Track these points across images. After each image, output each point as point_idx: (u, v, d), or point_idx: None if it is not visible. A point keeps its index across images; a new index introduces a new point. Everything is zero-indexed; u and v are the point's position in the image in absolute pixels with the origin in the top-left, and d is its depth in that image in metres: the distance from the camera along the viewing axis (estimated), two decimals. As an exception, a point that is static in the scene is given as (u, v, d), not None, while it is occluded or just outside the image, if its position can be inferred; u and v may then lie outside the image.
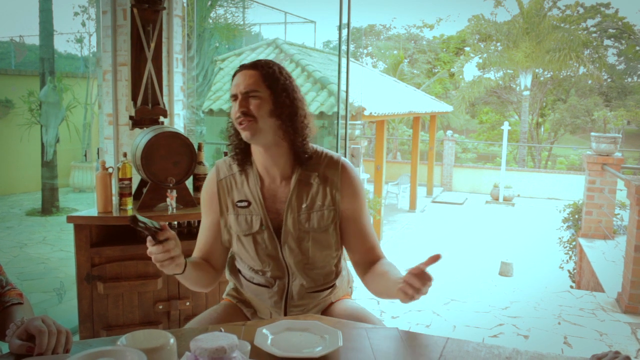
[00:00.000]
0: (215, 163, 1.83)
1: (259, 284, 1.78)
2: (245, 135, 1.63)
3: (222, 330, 1.38)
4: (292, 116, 1.66)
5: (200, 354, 0.96)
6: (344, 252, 1.85)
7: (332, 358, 1.32)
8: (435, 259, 1.40)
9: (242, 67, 1.68)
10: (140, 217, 1.37)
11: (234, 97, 1.66)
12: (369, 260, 1.74)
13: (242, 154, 1.74)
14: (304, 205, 1.70)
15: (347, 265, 2.00)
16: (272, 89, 1.64)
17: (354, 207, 1.74)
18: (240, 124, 1.63)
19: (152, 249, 1.45)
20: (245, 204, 1.72)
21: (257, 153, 1.71)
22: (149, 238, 1.45)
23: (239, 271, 1.85)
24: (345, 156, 4.23)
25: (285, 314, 1.77)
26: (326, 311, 1.84)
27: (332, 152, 1.78)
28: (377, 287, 1.69)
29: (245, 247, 1.74)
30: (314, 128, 1.72)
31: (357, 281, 2.07)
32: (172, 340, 1.14)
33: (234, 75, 1.69)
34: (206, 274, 1.74)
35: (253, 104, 1.62)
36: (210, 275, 1.76)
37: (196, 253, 1.79)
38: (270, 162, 1.70)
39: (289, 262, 1.73)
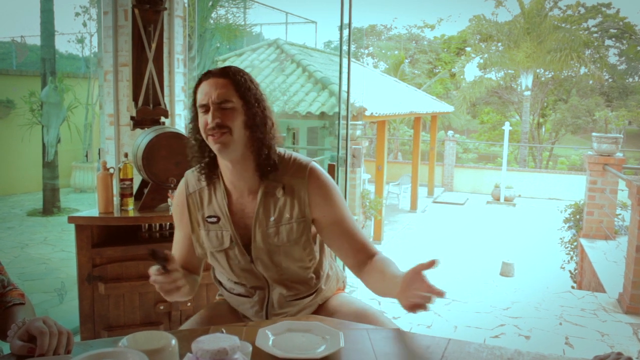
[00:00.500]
0: (185, 174, 1.76)
1: (239, 294, 1.75)
2: (216, 147, 1.55)
3: (224, 331, 1.38)
4: (262, 127, 1.59)
5: (202, 355, 0.96)
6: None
7: (333, 359, 1.32)
8: (431, 264, 1.38)
9: (210, 75, 1.58)
10: (157, 251, 1.42)
11: (204, 107, 1.56)
12: (361, 261, 1.67)
13: (208, 168, 1.65)
14: (271, 219, 1.64)
15: (337, 264, 1.98)
16: (244, 98, 1.56)
17: (330, 213, 1.66)
18: (212, 135, 1.54)
19: (157, 278, 1.45)
20: (214, 219, 1.66)
21: (224, 167, 1.64)
22: (158, 268, 1.45)
23: (220, 282, 1.83)
24: (346, 156, 4.21)
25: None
26: (320, 308, 1.82)
27: (301, 158, 1.69)
28: (376, 286, 1.63)
29: (220, 262, 1.71)
30: (280, 138, 1.66)
31: (358, 280, 2.06)
32: (173, 342, 1.14)
33: (198, 83, 1.60)
34: (191, 283, 1.70)
35: (227, 114, 1.54)
36: (194, 283, 1.74)
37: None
38: (237, 176, 1.63)
39: (264, 275, 1.69)
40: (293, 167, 1.66)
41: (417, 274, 1.40)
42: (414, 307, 1.41)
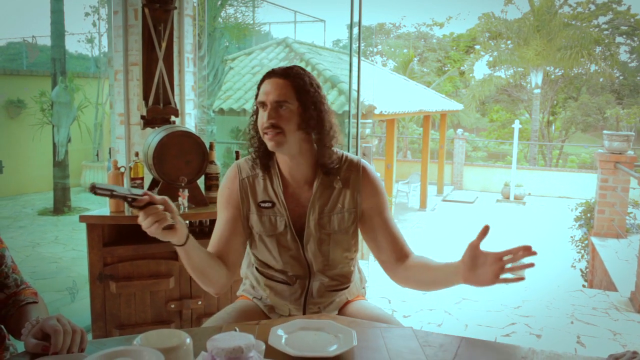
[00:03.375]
0: (235, 162, 1.82)
1: (278, 282, 1.78)
2: (270, 145, 1.63)
3: (237, 329, 1.37)
4: (319, 129, 1.66)
5: (218, 353, 0.96)
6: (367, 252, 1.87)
7: (346, 357, 1.31)
8: (484, 231, 1.45)
9: (273, 74, 1.65)
10: (100, 185, 1.34)
11: (262, 104, 1.63)
12: (398, 257, 1.72)
13: (265, 158, 1.73)
14: (325, 208, 1.71)
15: (360, 266, 2.00)
16: (301, 101, 1.62)
17: (376, 204, 1.75)
18: (266, 134, 1.62)
19: (139, 218, 1.39)
20: (269, 204, 1.72)
21: (282, 159, 1.72)
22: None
23: (257, 269, 1.83)
24: (356, 155, 4.22)
25: (304, 311, 1.77)
26: (341, 311, 1.84)
27: (351, 156, 1.79)
28: (422, 278, 1.68)
29: (268, 247, 1.74)
30: (341, 138, 1.73)
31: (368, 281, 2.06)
32: (188, 340, 1.14)
33: (262, 81, 1.66)
34: (215, 267, 1.62)
35: (282, 115, 1.61)
36: (220, 271, 1.64)
37: (210, 249, 1.72)
38: (294, 168, 1.71)
39: (310, 263, 1.74)
40: (346, 162, 1.75)
41: (475, 248, 1.46)
42: (496, 279, 1.45)
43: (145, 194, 1.37)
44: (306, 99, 1.63)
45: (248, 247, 1.83)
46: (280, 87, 1.61)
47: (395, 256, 1.73)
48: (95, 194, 1.35)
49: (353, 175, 1.73)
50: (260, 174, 1.75)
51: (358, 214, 1.74)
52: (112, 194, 1.36)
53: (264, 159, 1.73)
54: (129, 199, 1.37)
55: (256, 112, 1.69)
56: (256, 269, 1.84)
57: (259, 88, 1.66)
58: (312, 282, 1.76)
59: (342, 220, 1.72)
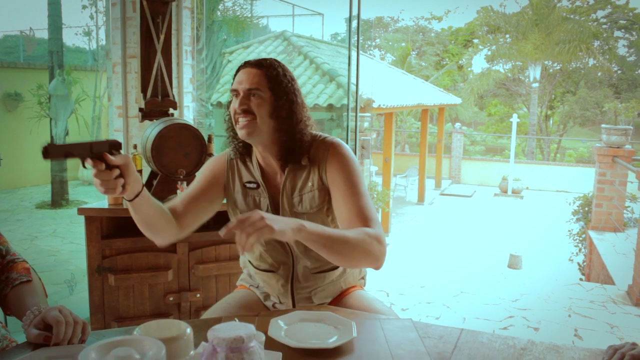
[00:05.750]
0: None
1: (265, 270, 1.81)
2: (241, 133, 1.65)
3: (237, 320, 1.38)
4: (288, 120, 1.67)
5: (218, 343, 0.96)
6: None
7: (346, 349, 1.32)
8: None
9: (247, 64, 1.68)
10: (54, 145, 1.27)
11: (235, 92, 1.67)
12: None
13: (244, 146, 1.78)
14: (296, 188, 1.73)
15: None
16: (273, 90, 1.65)
17: (337, 178, 1.68)
18: (238, 122, 1.65)
19: (98, 175, 1.39)
20: (254, 185, 1.76)
21: (256, 148, 1.76)
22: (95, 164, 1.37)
23: (249, 261, 1.88)
24: (355, 148, 4.21)
25: (293, 297, 1.79)
26: (339, 302, 1.84)
27: (330, 137, 1.77)
28: None
29: None
30: (309, 132, 1.72)
31: (368, 272, 2.06)
32: (188, 330, 1.14)
33: (237, 71, 1.70)
34: (164, 222, 1.64)
35: (254, 102, 1.63)
36: (169, 226, 1.66)
37: (173, 202, 1.75)
38: (267, 156, 1.73)
39: (291, 245, 1.75)
40: (320, 143, 1.74)
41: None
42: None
43: (104, 156, 1.36)
44: (278, 89, 1.65)
45: None
46: (253, 76, 1.64)
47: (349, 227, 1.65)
48: (46, 157, 1.27)
49: (321, 152, 1.72)
50: (240, 159, 1.80)
51: (328, 191, 1.72)
52: (67, 155, 1.29)
53: (243, 147, 1.78)
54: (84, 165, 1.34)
55: (230, 104, 1.72)
56: (248, 261, 1.88)
57: (234, 78, 1.69)
58: (296, 266, 1.78)
59: (313, 198, 1.72)
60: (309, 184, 1.72)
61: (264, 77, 1.64)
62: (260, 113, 1.63)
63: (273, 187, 1.76)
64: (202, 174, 1.84)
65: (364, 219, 1.62)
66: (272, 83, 1.64)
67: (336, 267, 1.82)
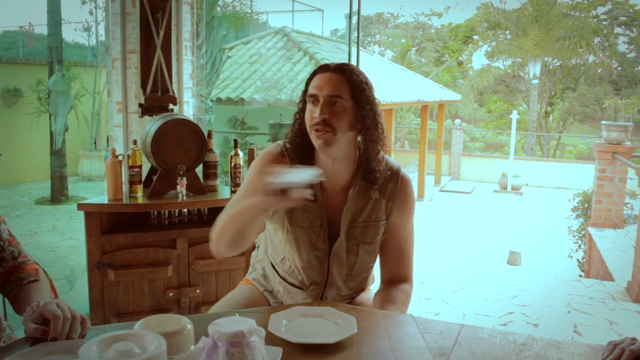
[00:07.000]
0: (276, 143, 1.68)
1: (292, 284, 1.71)
2: (318, 144, 1.51)
3: (237, 315, 1.37)
4: (371, 130, 1.55)
5: (219, 338, 0.96)
6: None
7: (347, 344, 1.31)
8: None
9: (326, 68, 1.54)
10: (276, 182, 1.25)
11: (313, 97, 1.52)
12: (392, 277, 1.69)
13: (306, 155, 1.61)
14: (358, 218, 1.62)
15: None
16: (355, 98, 1.51)
17: (402, 221, 1.66)
18: (316, 130, 1.50)
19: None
20: (312, 197, 1.51)
21: (323, 161, 1.59)
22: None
23: (273, 266, 1.76)
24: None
25: None
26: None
27: (391, 162, 1.67)
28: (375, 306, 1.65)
29: (298, 239, 1.63)
30: (389, 143, 1.62)
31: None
32: (189, 325, 1.14)
33: (313, 75, 1.56)
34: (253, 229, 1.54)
35: (335, 112, 1.49)
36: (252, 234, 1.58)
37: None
38: (335, 172, 1.60)
39: (332, 270, 1.66)
40: (386, 169, 1.63)
41: None
42: None
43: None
44: (361, 97, 1.52)
45: (270, 237, 1.74)
46: (334, 81, 1.50)
47: (391, 276, 1.70)
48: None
49: (391, 185, 1.63)
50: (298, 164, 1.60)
51: (387, 226, 1.66)
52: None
53: (305, 156, 1.61)
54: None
55: (302, 109, 1.59)
56: (272, 265, 1.77)
57: (308, 83, 1.56)
58: (327, 290, 1.69)
59: (376, 232, 1.64)
60: (372, 216, 1.62)
61: (346, 83, 1.51)
62: (340, 125, 1.49)
63: (330, 205, 1.62)
64: (253, 175, 1.65)
65: (407, 274, 1.68)
66: (354, 91, 1.51)
67: (362, 289, 1.79)
